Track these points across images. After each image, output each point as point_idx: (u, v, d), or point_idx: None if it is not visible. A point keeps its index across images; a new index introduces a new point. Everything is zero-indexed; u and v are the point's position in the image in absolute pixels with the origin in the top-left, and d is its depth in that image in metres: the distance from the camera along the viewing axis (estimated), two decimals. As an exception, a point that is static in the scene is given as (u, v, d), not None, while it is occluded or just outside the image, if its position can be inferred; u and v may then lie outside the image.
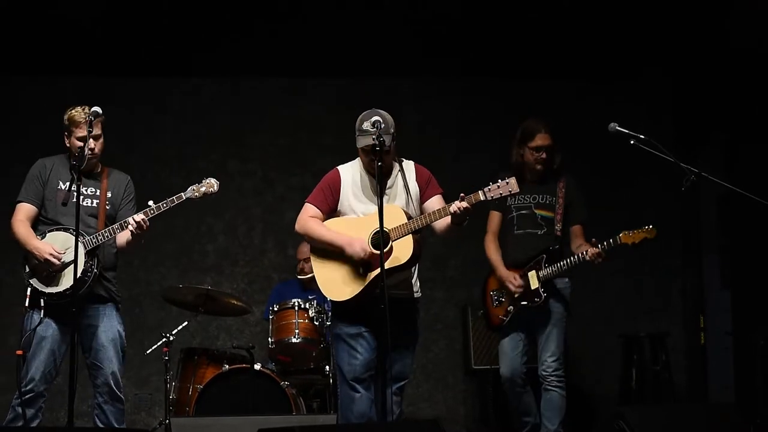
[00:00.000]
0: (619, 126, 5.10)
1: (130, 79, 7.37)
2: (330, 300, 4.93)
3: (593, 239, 5.52)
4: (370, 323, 4.68)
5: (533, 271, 5.62)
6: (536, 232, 5.69)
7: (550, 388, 5.61)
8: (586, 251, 5.50)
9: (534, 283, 5.59)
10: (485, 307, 5.86)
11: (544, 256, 5.62)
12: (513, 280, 5.63)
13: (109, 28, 6.84)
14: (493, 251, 5.79)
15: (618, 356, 7.08)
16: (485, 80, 7.58)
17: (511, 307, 5.67)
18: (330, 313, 6.01)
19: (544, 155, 5.67)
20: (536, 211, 5.71)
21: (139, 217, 4.91)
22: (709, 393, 7.25)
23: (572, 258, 5.58)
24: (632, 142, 5.04)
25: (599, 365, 7.37)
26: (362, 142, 4.68)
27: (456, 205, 4.53)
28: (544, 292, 5.59)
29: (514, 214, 5.74)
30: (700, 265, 7.48)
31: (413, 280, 4.87)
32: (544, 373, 5.62)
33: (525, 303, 5.63)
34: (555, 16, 6.95)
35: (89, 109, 4.92)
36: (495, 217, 5.84)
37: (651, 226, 5.48)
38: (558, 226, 5.68)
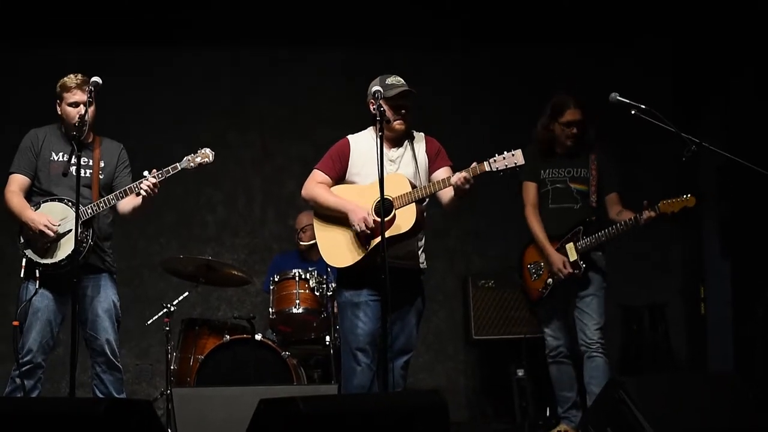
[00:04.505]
0: (619, 96, 5.07)
1: (128, 48, 7.28)
2: (333, 267, 4.91)
3: (645, 201, 5.41)
4: (375, 291, 4.64)
5: (570, 243, 5.58)
6: (572, 207, 5.67)
7: (594, 354, 5.54)
8: (640, 216, 5.38)
9: (572, 255, 5.56)
10: (523, 281, 5.80)
11: (582, 227, 5.58)
12: (563, 266, 5.54)
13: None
14: (537, 226, 5.68)
15: (617, 327, 7.08)
16: (484, 47, 7.51)
17: (551, 280, 5.63)
18: (331, 284, 6.05)
19: (574, 130, 5.64)
20: (571, 185, 5.68)
21: (153, 180, 4.88)
22: (708, 363, 7.25)
23: (611, 228, 5.52)
24: (633, 112, 5.02)
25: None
26: (392, 92, 4.68)
27: (456, 177, 4.48)
28: (583, 263, 5.55)
29: (549, 188, 5.71)
30: (700, 234, 7.45)
31: (419, 252, 4.85)
32: (588, 341, 5.55)
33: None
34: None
35: (84, 77, 4.90)
36: (531, 188, 5.75)
37: (689, 195, 5.37)
38: (593, 198, 5.65)
